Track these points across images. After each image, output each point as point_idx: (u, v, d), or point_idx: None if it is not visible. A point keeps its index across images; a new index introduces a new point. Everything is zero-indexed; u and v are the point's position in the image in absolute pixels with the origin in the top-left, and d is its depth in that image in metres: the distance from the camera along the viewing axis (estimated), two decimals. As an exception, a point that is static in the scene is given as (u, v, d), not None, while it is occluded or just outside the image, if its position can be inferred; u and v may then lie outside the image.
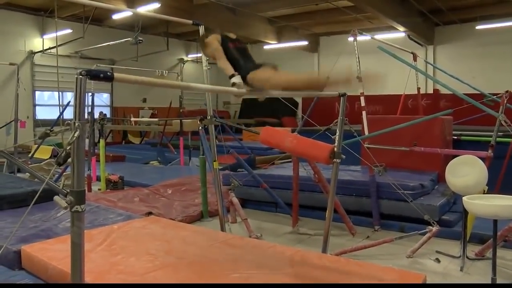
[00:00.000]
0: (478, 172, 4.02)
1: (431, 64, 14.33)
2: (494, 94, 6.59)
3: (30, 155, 10.59)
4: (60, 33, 14.39)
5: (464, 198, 3.61)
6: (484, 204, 3.47)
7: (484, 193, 4.03)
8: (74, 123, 1.93)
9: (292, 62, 19.97)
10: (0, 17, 14.85)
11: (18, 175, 8.04)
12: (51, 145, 10.71)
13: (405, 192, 4.88)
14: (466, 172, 4.05)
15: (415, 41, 16.44)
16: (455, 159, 4.29)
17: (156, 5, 12.32)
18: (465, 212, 3.99)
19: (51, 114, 15.90)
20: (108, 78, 2.05)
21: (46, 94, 17.10)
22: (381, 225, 5.32)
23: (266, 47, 18.58)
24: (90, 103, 9.12)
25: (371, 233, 5.19)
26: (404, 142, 6.25)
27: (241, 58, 3.23)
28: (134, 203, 6.23)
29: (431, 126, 6.45)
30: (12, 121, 9.05)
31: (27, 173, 7.90)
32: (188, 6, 14.19)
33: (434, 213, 4.83)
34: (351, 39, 6.71)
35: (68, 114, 11.90)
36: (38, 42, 15.99)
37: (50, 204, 4.15)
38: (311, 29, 18.53)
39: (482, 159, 4.38)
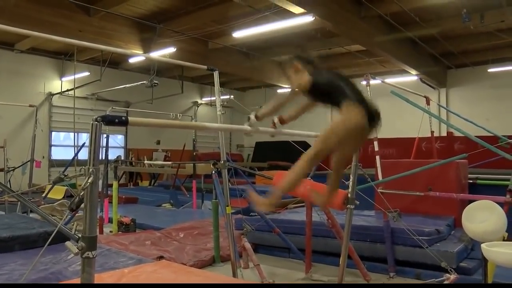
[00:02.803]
0: (497, 218, 3.91)
1: (444, 108, 14.34)
2: (509, 137, 6.52)
3: (43, 195, 10.67)
4: (78, 75, 14.83)
5: (483, 246, 3.50)
6: (504, 252, 3.35)
7: (504, 240, 3.91)
8: (88, 168, 1.94)
9: (305, 105, 20.17)
10: (24, 61, 15.43)
11: (31, 215, 8.06)
12: (64, 185, 10.78)
13: (421, 238, 4.77)
14: (484, 217, 3.94)
15: (427, 84, 16.55)
16: (472, 204, 4.19)
17: (172, 50, 12.64)
18: (484, 260, 3.85)
19: (66, 154, 16.13)
20: (123, 123, 2.08)
21: (62, 134, 17.40)
22: (396, 272, 5.17)
23: (279, 90, 18.83)
24: (104, 145, 9.22)
25: (386, 280, 5.03)
26: (419, 187, 6.16)
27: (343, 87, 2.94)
28: (146, 246, 6.17)
29: (446, 170, 6.37)
30: (28, 161, 9.16)
31: (40, 214, 7.90)
32: (203, 51, 14.55)
33: (451, 260, 4.69)
34: (364, 83, 6.75)
35: (83, 154, 12.03)
36: (57, 84, 16.46)
37: (61, 246, 4.11)
38: (324, 72, 18.78)
39: (500, 204, 4.28)
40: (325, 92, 3.01)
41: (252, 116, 3.11)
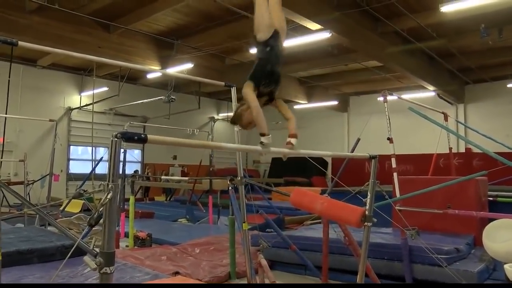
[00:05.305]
0: (520, 238, 3.83)
1: (462, 124, 14.18)
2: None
3: (61, 208, 10.78)
4: (97, 90, 15.07)
5: (506, 266, 3.43)
6: (528, 274, 3.28)
7: (528, 261, 3.81)
8: (108, 184, 1.95)
9: (322, 121, 20.18)
10: (45, 76, 15.80)
11: (49, 228, 8.13)
12: (81, 199, 10.89)
13: (439, 256, 4.67)
14: (506, 237, 3.87)
15: (445, 100, 16.40)
16: (493, 222, 4.12)
17: (190, 65, 12.78)
18: (509, 282, 3.76)
19: (83, 168, 16.31)
20: (142, 140, 2.08)
21: (80, 148, 17.63)
22: (415, 291, 5.08)
23: (296, 107, 18.84)
24: (121, 159, 9.30)
25: (405, 300, 4.95)
26: (437, 204, 6.06)
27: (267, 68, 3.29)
28: (162, 261, 6.17)
29: (465, 187, 6.26)
30: (47, 175, 9.28)
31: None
32: (221, 66, 14.70)
33: (472, 280, 4.58)
34: (381, 99, 6.72)
35: (100, 169, 12.17)
36: (76, 99, 16.76)
37: (78, 260, 4.16)
38: (341, 89, 18.79)
39: (522, 223, 4.19)
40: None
41: (265, 139, 3.10)
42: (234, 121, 3.44)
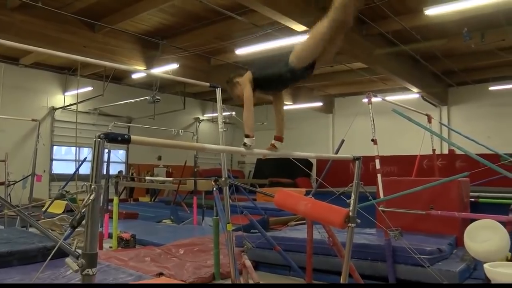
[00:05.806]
0: (500, 238, 3.89)
1: (445, 126, 14.36)
2: (511, 155, 6.51)
3: (43, 209, 10.63)
4: (81, 90, 14.92)
5: (485, 266, 3.48)
6: (508, 273, 3.33)
7: (507, 260, 3.88)
8: (90, 185, 1.93)
9: (307, 123, 20.25)
10: (28, 75, 15.57)
11: (30, 229, 8.02)
12: (64, 200, 10.75)
13: (422, 256, 4.72)
14: (487, 237, 3.93)
15: (429, 102, 16.60)
16: (474, 223, 4.18)
17: (175, 66, 12.73)
18: (488, 281, 3.82)
19: (67, 168, 16.12)
20: (126, 141, 2.07)
21: (63, 148, 17.42)
22: (398, 291, 5.13)
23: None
24: (105, 160, 9.21)
25: (388, 300, 4.99)
26: (420, 205, 6.13)
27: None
28: (145, 262, 6.13)
29: (447, 188, 6.33)
30: (29, 175, 9.15)
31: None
32: (206, 67, 14.67)
33: (453, 280, 4.64)
34: (365, 100, 6.77)
35: (84, 169, 12.04)
36: (59, 99, 16.55)
37: (60, 261, 4.10)
38: (326, 90, 18.87)
39: (503, 223, 4.26)
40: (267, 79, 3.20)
41: (248, 141, 3.07)
42: (228, 83, 3.37)
